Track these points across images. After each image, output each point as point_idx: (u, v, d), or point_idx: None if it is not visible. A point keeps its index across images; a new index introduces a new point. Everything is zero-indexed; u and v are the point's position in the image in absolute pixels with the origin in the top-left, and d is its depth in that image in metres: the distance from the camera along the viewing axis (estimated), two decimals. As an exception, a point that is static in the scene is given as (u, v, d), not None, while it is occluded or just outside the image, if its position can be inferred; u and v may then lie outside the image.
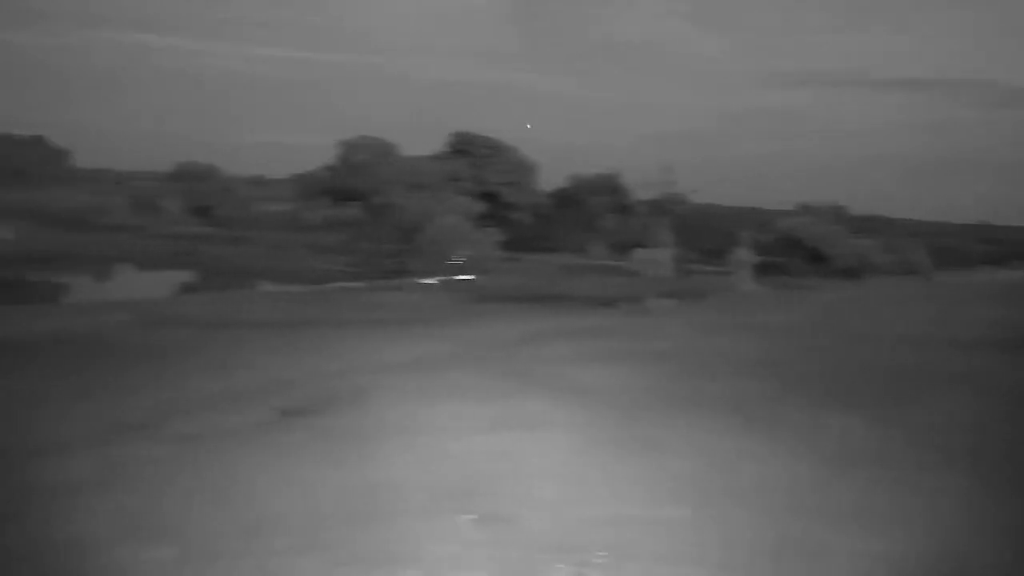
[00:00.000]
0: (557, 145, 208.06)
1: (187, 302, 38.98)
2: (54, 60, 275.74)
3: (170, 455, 11.49)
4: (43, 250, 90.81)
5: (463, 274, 61.94)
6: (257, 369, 20.17)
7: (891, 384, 19.15)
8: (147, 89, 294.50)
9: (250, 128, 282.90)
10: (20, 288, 67.93)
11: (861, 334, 30.25)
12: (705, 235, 79.99)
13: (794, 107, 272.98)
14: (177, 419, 14.66)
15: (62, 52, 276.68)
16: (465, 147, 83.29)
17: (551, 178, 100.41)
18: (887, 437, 13.46)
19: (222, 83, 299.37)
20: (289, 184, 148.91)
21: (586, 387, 17.35)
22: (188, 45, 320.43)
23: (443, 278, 61.93)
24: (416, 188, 50.24)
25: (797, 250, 67.64)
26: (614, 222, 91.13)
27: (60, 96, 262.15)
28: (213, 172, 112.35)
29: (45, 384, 17.90)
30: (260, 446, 11.63)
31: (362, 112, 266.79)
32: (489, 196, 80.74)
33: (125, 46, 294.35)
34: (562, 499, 9.69)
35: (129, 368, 20.60)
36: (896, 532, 9.10)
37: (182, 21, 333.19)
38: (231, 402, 16.26)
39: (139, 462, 11.71)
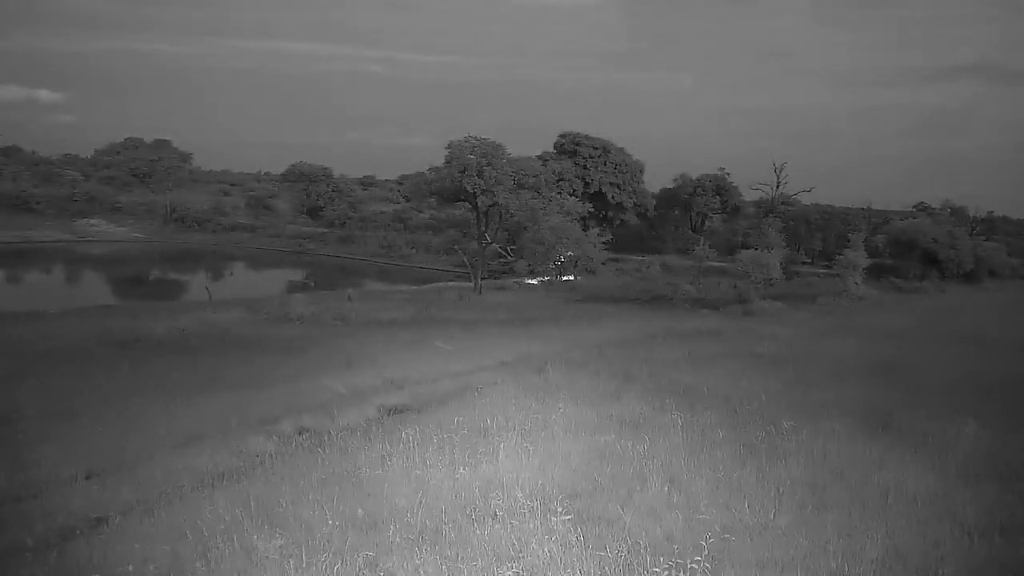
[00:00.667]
0: (666, 145, 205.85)
1: (298, 300, 40.11)
2: (177, 67, 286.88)
3: (287, 449, 11.97)
4: (164, 249, 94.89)
5: (568, 274, 62.00)
6: (365, 367, 20.76)
7: (1012, 392, 18.52)
8: (262, 93, 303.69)
9: (360, 129, 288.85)
10: (143, 285, 71.14)
11: (979, 339, 29.30)
12: (815, 236, 78.28)
13: (912, 104, 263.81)
14: (293, 415, 15.29)
15: (184, 60, 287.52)
16: (572, 148, 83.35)
17: (659, 178, 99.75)
18: (1009, 447, 12.98)
19: (335, 86, 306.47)
20: (398, 184, 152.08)
21: (690, 389, 17.31)
22: (302, 49, 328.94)
23: (548, 278, 62.09)
24: (523, 189, 50.40)
25: (912, 252, 65.53)
26: (721, 223, 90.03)
27: (184, 101, 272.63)
28: (325, 173, 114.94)
29: (173, 378, 18.83)
30: (372, 442, 12.00)
31: (470, 113, 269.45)
32: (595, 196, 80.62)
33: (243, 52, 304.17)
34: (663, 502, 9.75)
35: (247, 363, 21.45)
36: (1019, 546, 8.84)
37: (296, 27, 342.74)
38: (341, 399, 16.83)
39: (260, 455, 12.30)
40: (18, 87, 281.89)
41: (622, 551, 8.11)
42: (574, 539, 8.32)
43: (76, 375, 19.10)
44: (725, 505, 9.74)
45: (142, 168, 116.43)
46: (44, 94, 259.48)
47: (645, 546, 8.27)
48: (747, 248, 57.27)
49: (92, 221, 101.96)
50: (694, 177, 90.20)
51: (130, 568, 7.65)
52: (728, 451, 12.23)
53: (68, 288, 66.99)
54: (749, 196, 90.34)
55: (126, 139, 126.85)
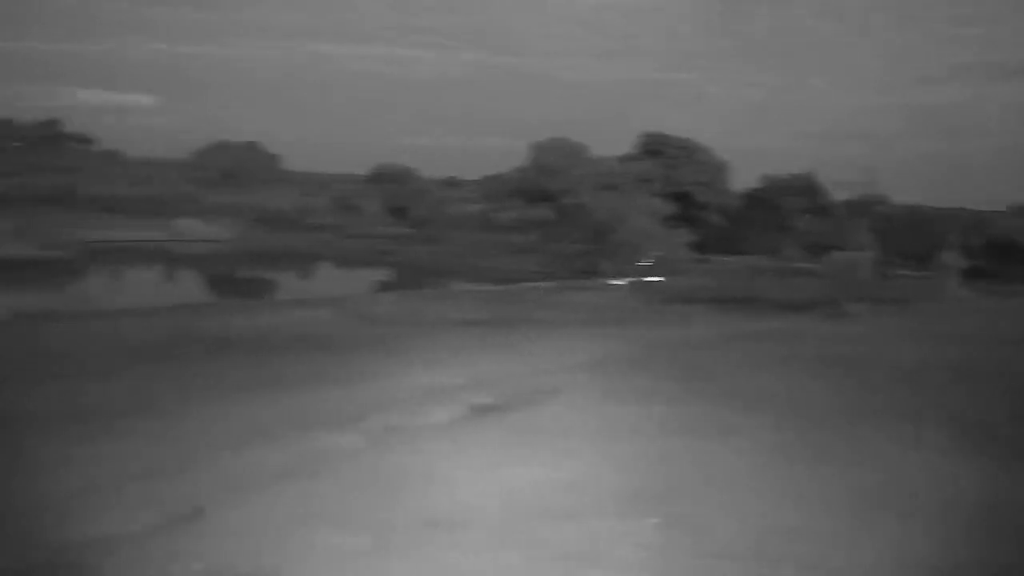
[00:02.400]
0: (747, 146, 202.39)
1: (384, 299, 40.55)
2: (266, 71, 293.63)
3: (369, 447, 12.12)
4: (254, 248, 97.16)
5: (652, 275, 61.56)
6: (450, 366, 20.90)
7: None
8: (348, 96, 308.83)
9: (444, 131, 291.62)
10: (233, 284, 72.92)
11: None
12: (908, 237, 76.25)
13: (1000, 100, 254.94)
14: (376, 413, 15.49)
15: (271, 63, 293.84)
16: (656, 148, 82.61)
17: (744, 179, 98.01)
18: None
19: (418, 88, 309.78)
20: (481, 185, 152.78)
21: (774, 393, 17.04)
22: (383, 53, 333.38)
23: (632, 279, 61.70)
24: (606, 189, 50.18)
25: (1011, 254, 63.37)
26: (809, 223, 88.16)
27: (271, 104, 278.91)
28: (409, 174, 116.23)
29: (256, 375, 19.22)
30: (454, 441, 12.09)
31: (551, 115, 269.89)
32: (680, 197, 79.83)
33: (326, 55, 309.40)
34: (746, 507, 9.63)
35: (331, 362, 21.77)
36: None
37: (379, 31, 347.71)
38: (427, 397, 16.99)
39: (340, 453, 12.50)
40: (116, 92, 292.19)
41: (706, 557, 8.02)
42: (660, 543, 8.25)
43: (163, 372, 19.65)
44: (804, 510, 9.58)
45: (232, 169, 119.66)
46: (140, 98, 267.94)
47: (730, 552, 8.18)
48: (836, 249, 56.12)
49: (184, 221, 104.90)
50: (782, 176, 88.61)
51: (223, 559, 7.85)
52: (807, 456, 12.03)
53: (161, 286, 69.02)
54: (839, 196, 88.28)
55: (217, 141, 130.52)
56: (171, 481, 10.99)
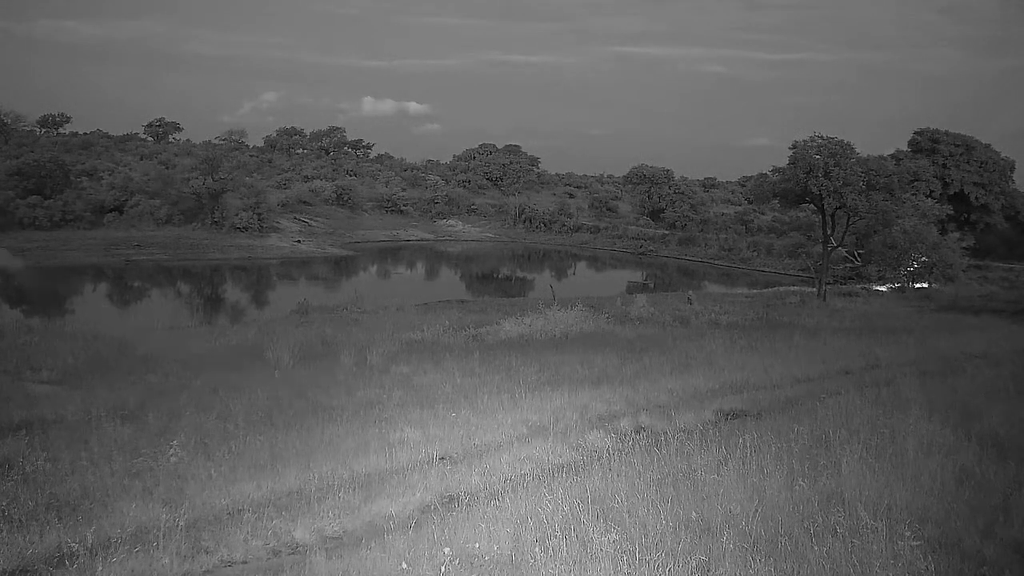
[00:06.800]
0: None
1: (639, 300, 40.57)
2: (528, 75, 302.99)
3: (624, 447, 12.17)
4: (515, 248, 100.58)
5: (922, 281, 58.04)
6: (705, 369, 20.60)
7: None
8: (607, 96, 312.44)
9: (699, 131, 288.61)
10: (494, 282, 75.69)
11: None
12: None
13: None
14: (631, 414, 15.55)
15: (535, 68, 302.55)
16: (930, 145, 77.73)
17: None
18: None
19: (677, 87, 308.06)
20: (740, 186, 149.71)
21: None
22: (642, 53, 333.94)
23: (899, 285, 58.43)
24: (873, 190, 47.51)
25: None
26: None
27: (532, 107, 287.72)
28: (666, 175, 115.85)
29: (519, 372, 19.79)
30: (708, 445, 11.88)
31: (814, 110, 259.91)
32: (956, 198, 74.66)
33: (591, 56, 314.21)
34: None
35: (588, 361, 22.02)
36: None
37: (637, 31, 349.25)
38: (681, 400, 16.86)
39: (597, 451, 12.65)
40: (393, 101, 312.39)
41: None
42: (923, 568, 7.73)
43: (433, 367, 20.68)
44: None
45: (495, 172, 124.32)
46: (413, 106, 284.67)
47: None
48: None
49: (450, 222, 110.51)
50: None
51: (477, 546, 8.16)
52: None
53: (428, 283, 72.84)
54: None
55: (480, 145, 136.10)
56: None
